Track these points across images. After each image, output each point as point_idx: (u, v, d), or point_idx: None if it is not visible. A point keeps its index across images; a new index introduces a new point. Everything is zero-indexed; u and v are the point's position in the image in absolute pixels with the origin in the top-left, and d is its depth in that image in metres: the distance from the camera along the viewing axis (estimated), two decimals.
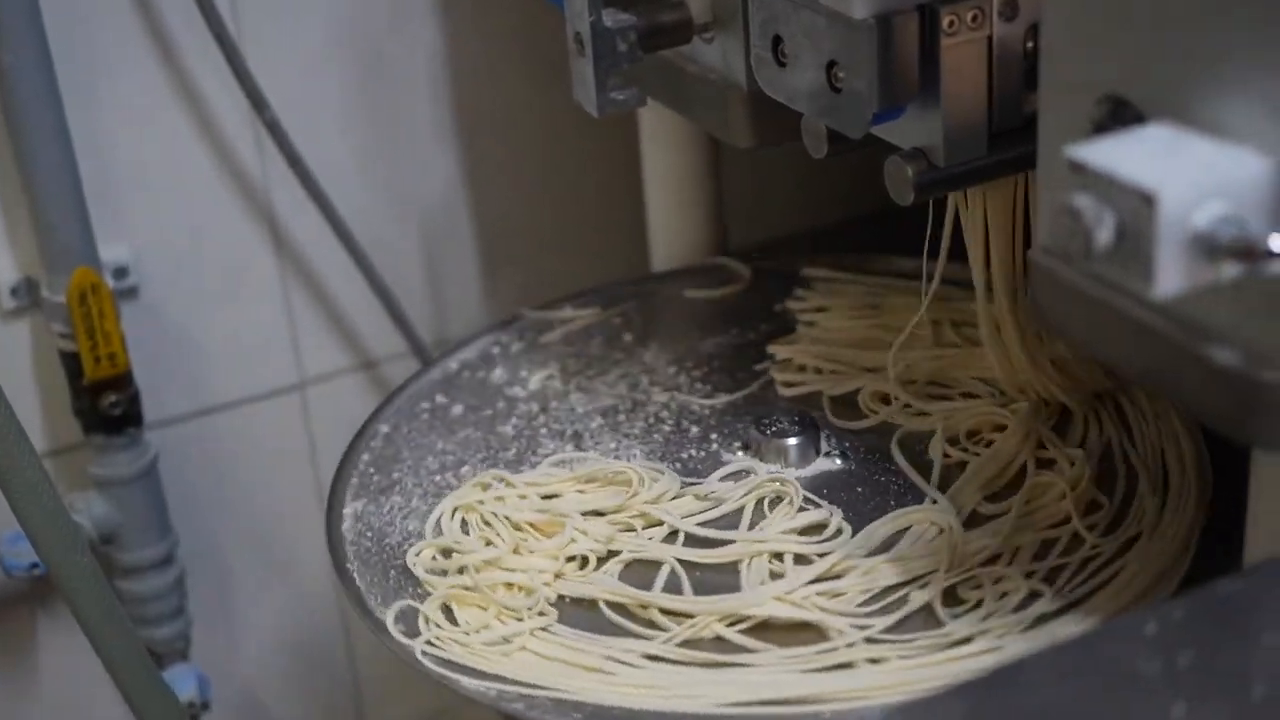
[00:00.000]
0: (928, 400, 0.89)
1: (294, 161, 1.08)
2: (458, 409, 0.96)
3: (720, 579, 0.79)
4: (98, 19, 1.03)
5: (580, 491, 0.85)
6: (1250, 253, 0.52)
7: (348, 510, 0.88)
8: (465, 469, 0.90)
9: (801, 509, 0.82)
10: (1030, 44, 0.72)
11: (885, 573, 0.77)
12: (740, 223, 1.15)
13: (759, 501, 0.83)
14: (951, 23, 0.69)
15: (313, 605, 1.20)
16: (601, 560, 0.81)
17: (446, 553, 0.82)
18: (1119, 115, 0.59)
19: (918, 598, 0.76)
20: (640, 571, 0.80)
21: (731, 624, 0.76)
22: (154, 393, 1.09)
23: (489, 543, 0.81)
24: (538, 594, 0.78)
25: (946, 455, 0.85)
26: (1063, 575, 0.77)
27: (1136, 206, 0.53)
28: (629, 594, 0.78)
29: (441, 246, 1.18)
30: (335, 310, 1.16)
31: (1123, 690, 0.53)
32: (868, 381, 0.91)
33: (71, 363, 1.03)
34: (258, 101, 1.06)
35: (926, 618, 0.75)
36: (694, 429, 0.91)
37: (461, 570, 0.80)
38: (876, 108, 0.70)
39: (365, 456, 0.92)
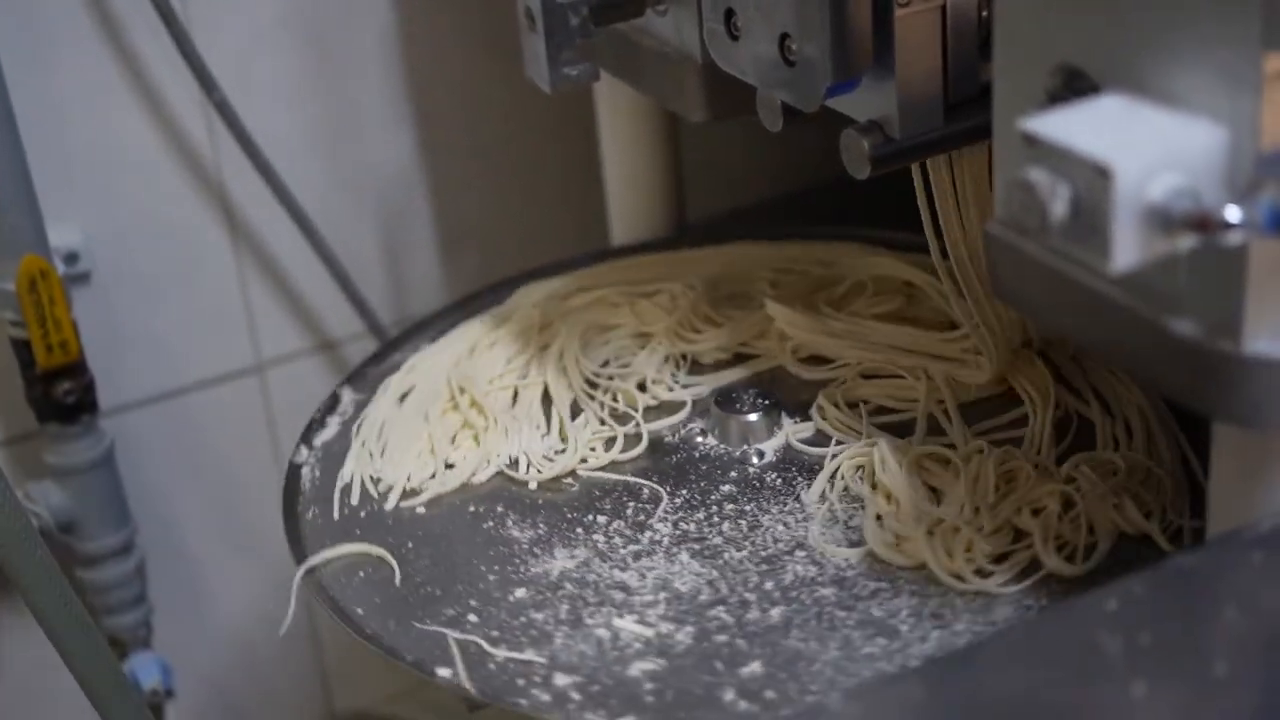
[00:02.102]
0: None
1: (245, 142, 1.06)
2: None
3: None
4: (44, 0, 1.01)
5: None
6: (1205, 224, 0.51)
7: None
8: None
9: None
10: (985, 13, 0.71)
11: None
12: (700, 195, 1.15)
13: None
14: None
15: (277, 589, 1.19)
16: None
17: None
18: (1073, 86, 0.58)
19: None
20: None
21: None
22: (109, 379, 1.08)
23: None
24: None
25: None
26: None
27: (1091, 179, 0.52)
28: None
29: (398, 225, 1.17)
30: (292, 291, 1.15)
31: (1084, 669, 0.52)
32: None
33: (23, 351, 1.01)
34: (207, 82, 1.04)
35: None
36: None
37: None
38: (830, 80, 0.69)
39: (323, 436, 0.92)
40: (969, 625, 0.70)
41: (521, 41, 0.86)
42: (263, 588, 1.20)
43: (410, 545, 0.81)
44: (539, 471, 0.84)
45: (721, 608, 0.74)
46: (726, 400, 0.87)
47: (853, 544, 0.77)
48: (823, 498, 0.80)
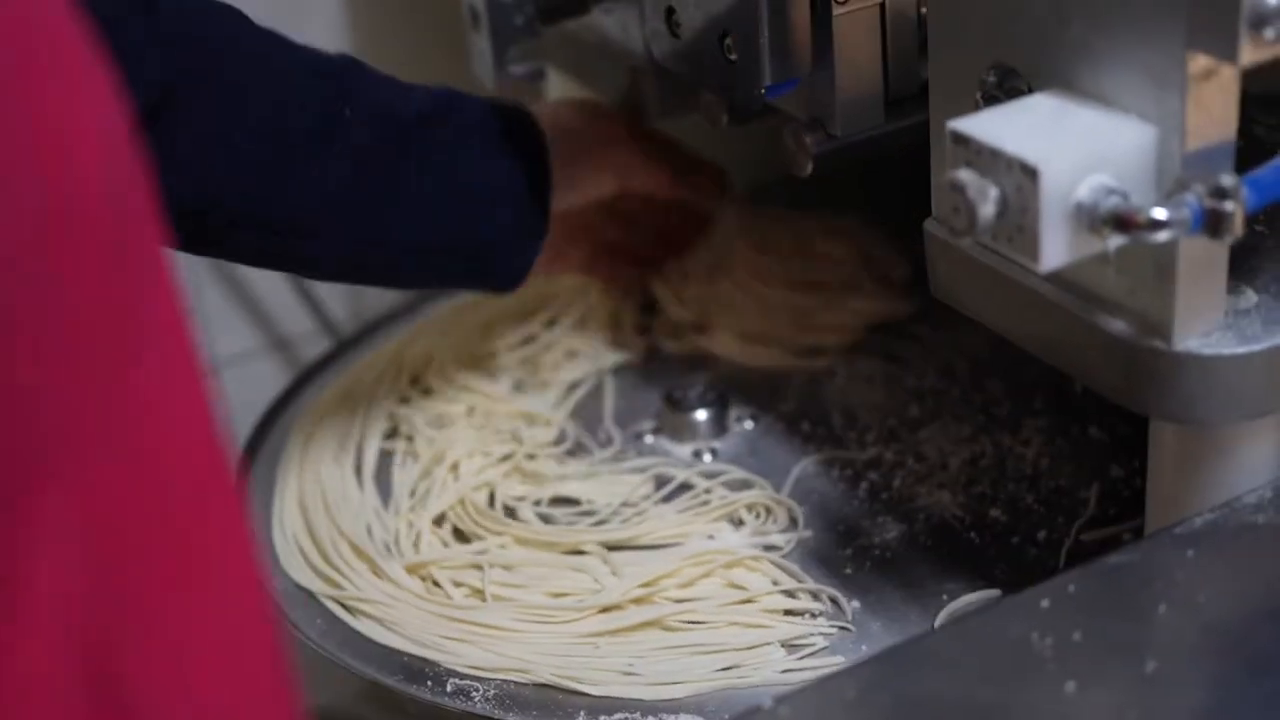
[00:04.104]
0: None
1: None
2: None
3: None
4: None
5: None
6: (1132, 223, 0.52)
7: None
8: None
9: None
10: (924, 10, 0.71)
11: None
12: None
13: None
14: None
15: None
16: None
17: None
18: (1007, 85, 0.59)
19: None
20: None
21: None
22: None
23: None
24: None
25: None
26: None
27: (1019, 179, 0.53)
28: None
29: None
30: (245, 290, 1.15)
31: (1016, 668, 0.53)
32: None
33: None
34: None
35: None
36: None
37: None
38: (770, 80, 0.69)
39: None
40: None
41: (466, 40, 0.86)
42: None
43: None
44: None
45: None
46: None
47: None
48: None
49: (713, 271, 0.94)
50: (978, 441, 0.82)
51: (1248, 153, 0.69)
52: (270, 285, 1.14)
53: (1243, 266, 0.60)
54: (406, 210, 0.78)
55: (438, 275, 0.82)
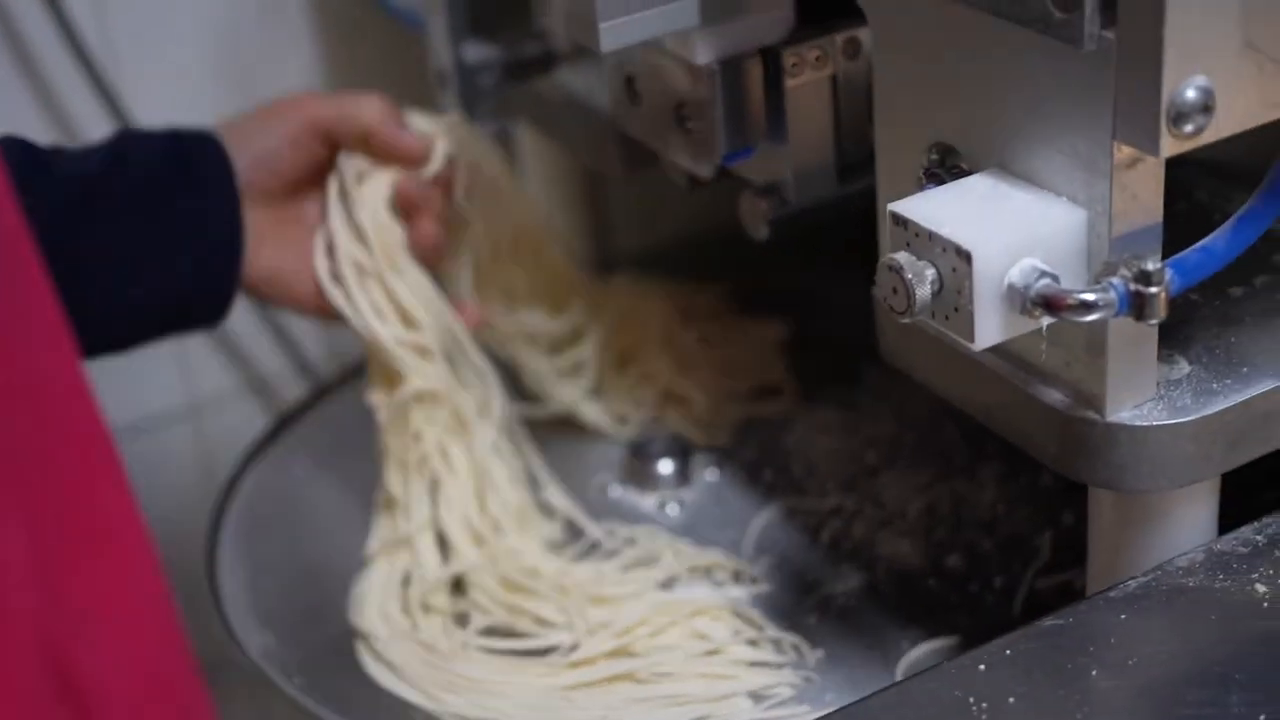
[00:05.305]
0: None
1: None
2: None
3: None
4: None
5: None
6: (1061, 305, 0.54)
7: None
8: None
9: None
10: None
11: None
12: (630, 231, 1.16)
13: None
14: (795, 64, 0.71)
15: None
16: None
17: None
18: (948, 164, 0.61)
19: None
20: None
21: None
22: None
23: None
24: None
25: None
26: None
27: (954, 262, 0.55)
28: None
29: None
30: (224, 332, 1.16)
31: None
32: None
33: None
34: (128, 124, 1.06)
35: None
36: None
37: None
38: (724, 150, 0.71)
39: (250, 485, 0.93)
40: None
41: (436, 99, 0.88)
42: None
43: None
44: None
45: None
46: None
47: None
48: None
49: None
50: (935, 488, 0.84)
51: (1190, 217, 0.71)
52: (249, 327, 1.16)
53: (1177, 335, 0.63)
54: (93, 275, 0.76)
55: (148, 327, 0.80)
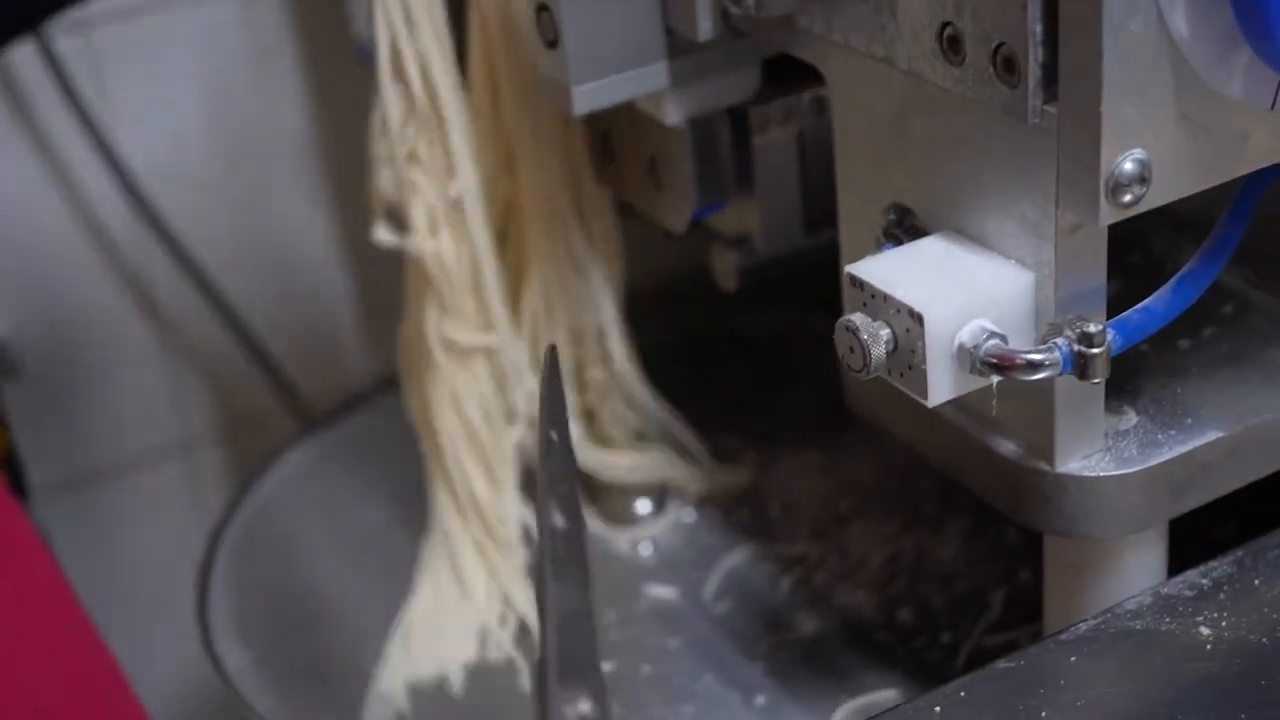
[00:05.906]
0: None
1: (164, 234, 1.11)
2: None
3: None
4: None
5: None
6: (1009, 365, 0.56)
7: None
8: None
9: None
10: None
11: None
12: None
13: None
14: (762, 121, 0.73)
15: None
16: None
17: None
18: (905, 224, 0.63)
19: None
20: None
21: None
22: (41, 466, 1.11)
23: None
24: None
25: None
26: None
27: (908, 323, 0.57)
28: None
29: (320, 303, 1.21)
30: (214, 373, 1.19)
31: None
32: None
33: None
34: (123, 171, 1.08)
35: None
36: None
37: None
38: (695, 205, 0.74)
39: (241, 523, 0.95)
40: None
41: None
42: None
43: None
44: None
45: None
46: None
47: None
48: None
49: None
50: (901, 539, 0.86)
51: (1144, 268, 0.74)
52: (239, 368, 1.19)
53: (1126, 387, 0.65)
54: None
55: None
